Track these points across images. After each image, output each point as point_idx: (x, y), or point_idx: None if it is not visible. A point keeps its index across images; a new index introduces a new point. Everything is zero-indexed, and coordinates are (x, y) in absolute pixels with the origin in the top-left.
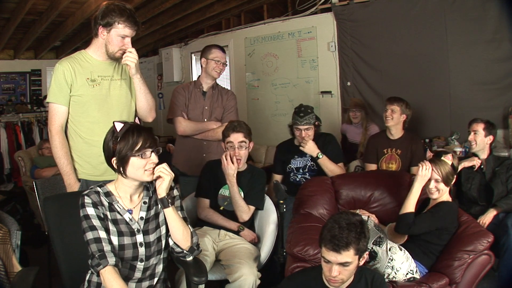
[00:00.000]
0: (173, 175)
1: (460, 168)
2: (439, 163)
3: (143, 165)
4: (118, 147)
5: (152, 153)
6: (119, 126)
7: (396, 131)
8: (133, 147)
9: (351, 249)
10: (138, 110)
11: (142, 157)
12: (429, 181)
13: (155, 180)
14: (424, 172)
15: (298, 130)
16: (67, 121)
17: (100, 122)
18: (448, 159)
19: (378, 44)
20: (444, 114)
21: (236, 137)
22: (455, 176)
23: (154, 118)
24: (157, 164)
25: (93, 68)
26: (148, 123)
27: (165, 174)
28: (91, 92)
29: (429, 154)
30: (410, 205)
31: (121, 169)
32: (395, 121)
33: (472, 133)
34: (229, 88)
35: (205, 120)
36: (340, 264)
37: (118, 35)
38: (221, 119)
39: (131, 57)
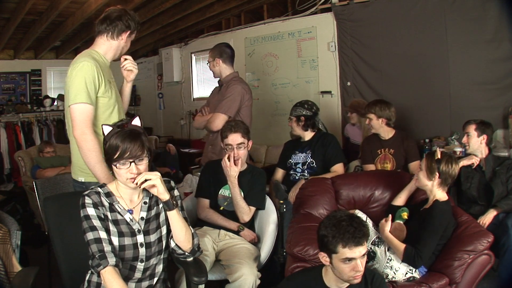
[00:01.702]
0: (159, 174)
1: (459, 166)
2: (430, 154)
3: (123, 173)
4: (105, 150)
5: (132, 163)
6: (106, 130)
7: (384, 133)
8: (113, 155)
9: (367, 238)
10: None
11: (117, 167)
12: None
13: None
14: (384, 224)
15: (289, 120)
16: None
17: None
18: (436, 154)
19: (378, 44)
20: (444, 114)
21: (234, 139)
22: (437, 173)
23: (154, 118)
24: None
25: (105, 70)
26: (149, 124)
27: (151, 180)
28: (112, 94)
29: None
30: (397, 248)
31: (111, 171)
32: (376, 127)
33: (465, 135)
34: None
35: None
36: (362, 256)
37: (130, 40)
38: None
39: (132, 63)
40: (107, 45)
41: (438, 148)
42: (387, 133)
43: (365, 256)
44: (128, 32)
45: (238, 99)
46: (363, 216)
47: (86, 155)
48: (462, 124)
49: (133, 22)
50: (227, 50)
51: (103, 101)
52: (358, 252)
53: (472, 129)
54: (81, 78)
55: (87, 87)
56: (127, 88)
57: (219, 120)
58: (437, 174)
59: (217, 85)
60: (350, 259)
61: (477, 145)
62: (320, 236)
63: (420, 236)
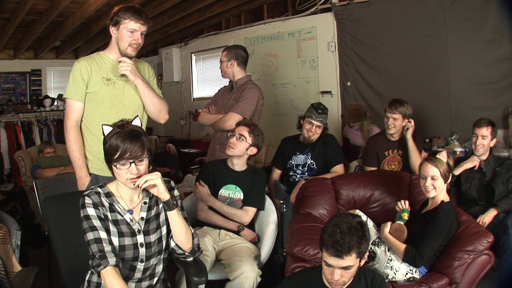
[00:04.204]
0: (159, 173)
1: (461, 170)
2: (436, 160)
3: (123, 174)
4: (105, 150)
5: (132, 164)
6: (106, 130)
7: (397, 134)
8: (113, 155)
9: (353, 254)
10: (148, 114)
11: (117, 167)
12: (425, 179)
13: (145, 188)
14: (384, 225)
15: (310, 123)
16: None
17: (111, 120)
18: (442, 156)
19: (378, 44)
20: (444, 114)
21: (240, 129)
22: (450, 174)
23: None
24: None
25: (109, 68)
26: (149, 124)
27: (152, 180)
28: (105, 90)
29: (424, 154)
30: (398, 248)
31: (111, 171)
32: (398, 128)
33: (480, 138)
34: None
35: (222, 113)
36: (342, 268)
37: (127, 31)
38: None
39: (124, 66)
40: (110, 45)
41: (444, 152)
42: (399, 133)
43: (349, 270)
44: (111, 26)
45: (254, 102)
46: (364, 216)
47: (66, 143)
48: (462, 124)
49: (121, 13)
50: (243, 53)
51: (89, 97)
52: (336, 262)
53: (489, 132)
54: (70, 77)
55: (72, 84)
56: (138, 90)
57: (234, 120)
58: (451, 175)
59: (218, 85)
60: (329, 264)
61: (488, 147)
62: (323, 228)
63: (423, 235)
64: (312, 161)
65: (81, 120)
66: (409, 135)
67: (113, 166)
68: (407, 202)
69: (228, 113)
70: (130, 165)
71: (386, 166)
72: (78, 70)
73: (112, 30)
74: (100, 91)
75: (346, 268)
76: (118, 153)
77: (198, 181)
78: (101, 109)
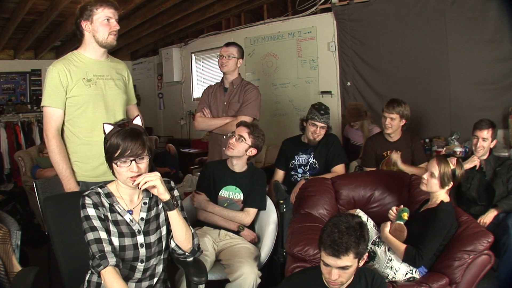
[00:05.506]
0: (159, 174)
1: None
2: (443, 161)
3: (124, 172)
4: (106, 148)
5: (133, 162)
6: (107, 129)
7: (395, 134)
8: (113, 153)
9: (350, 254)
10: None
11: (118, 165)
12: (425, 170)
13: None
14: (384, 225)
15: (314, 125)
16: (63, 123)
17: (98, 122)
18: (451, 162)
19: (378, 44)
20: (444, 114)
21: (239, 130)
22: (451, 182)
23: (154, 118)
24: (152, 171)
25: (88, 67)
26: (149, 124)
27: (151, 180)
28: (87, 92)
29: (441, 151)
30: (398, 248)
31: (112, 170)
32: (395, 128)
33: (480, 140)
34: None
35: (223, 115)
36: (340, 268)
37: (102, 20)
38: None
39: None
40: (84, 43)
41: (454, 160)
42: (397, 134)
43: (346, 270)
44: (83, 21)
45: (259, 102)
46: (364, 216)
47: (50, 154)
48: (462, 124)
49: (90, 5)
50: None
51: (71, 101)
52: (333, 261)
53: (490, 135)
54: (46, 83)
55: (50, 91)
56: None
57: None
58: (453, 182)
59: (210, 84)
60: (326, 264)
61: (488, 149)
62: (322, 227)
63: (423, 235)
64: (314, 160)
65: (63, 126)
66: (400, 165)
67: (113, 164)
68: (394, 208)
69: (238, 117)
70: (131, 163)
71: (384, 166)
72: (56, 75)
73: (85, 25)
74: (82, 94)
75: (343, 268)
76: (119, 151)
77: (195, 190)
78: (86, 112)
